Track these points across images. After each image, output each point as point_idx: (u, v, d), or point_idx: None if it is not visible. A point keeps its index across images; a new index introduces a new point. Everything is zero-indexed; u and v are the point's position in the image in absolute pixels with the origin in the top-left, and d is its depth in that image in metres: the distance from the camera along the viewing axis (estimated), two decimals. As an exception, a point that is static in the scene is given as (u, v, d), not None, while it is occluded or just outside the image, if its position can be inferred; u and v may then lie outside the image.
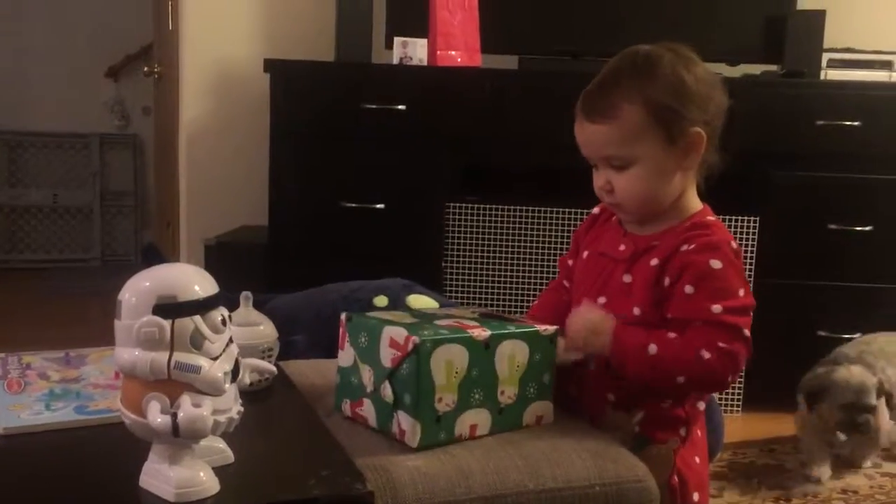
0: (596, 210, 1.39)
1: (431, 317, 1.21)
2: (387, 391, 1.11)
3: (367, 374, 1.15)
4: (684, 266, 1.19)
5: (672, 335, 1.18)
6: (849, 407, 2.02)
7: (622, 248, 1.28)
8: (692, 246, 1.20)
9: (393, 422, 1.11)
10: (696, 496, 1.25)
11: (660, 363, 1.17)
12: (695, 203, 1.28)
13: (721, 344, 1.15)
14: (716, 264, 1.18)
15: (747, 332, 1.17)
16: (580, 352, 1.24)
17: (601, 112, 1.21)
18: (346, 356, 1.20)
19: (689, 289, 1.18)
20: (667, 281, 1.20)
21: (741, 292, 1.19)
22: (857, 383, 2.03)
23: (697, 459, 1.27)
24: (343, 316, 1.20)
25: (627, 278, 1.25)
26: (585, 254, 1.35)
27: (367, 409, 1.16)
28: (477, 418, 1.14)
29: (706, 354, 1.15)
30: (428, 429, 1.09)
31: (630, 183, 1.22)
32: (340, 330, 1.20)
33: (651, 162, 1.21)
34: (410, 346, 1.07)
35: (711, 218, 1.27)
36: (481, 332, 1.13)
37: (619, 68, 1.24)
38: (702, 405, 1.28)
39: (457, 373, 1.10)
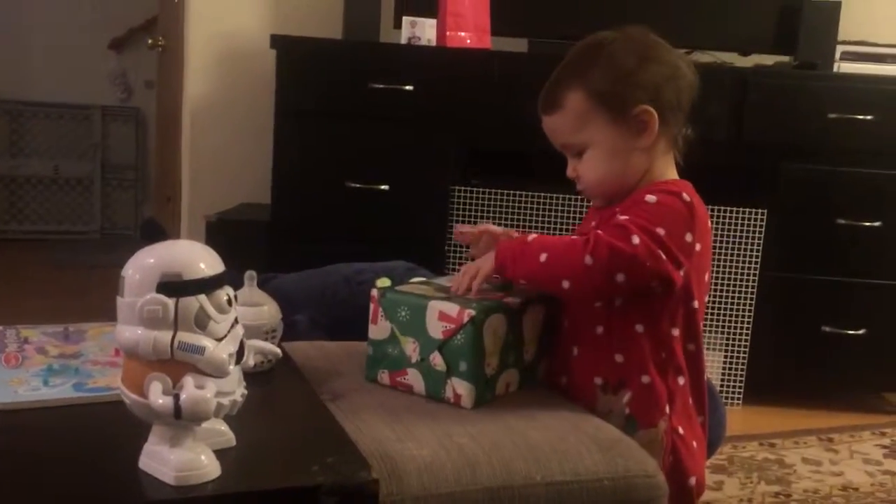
0: None
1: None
2: (437, 360, 1.19)
3: (410, 346, 1.22)
4: (625, 207, 1.23)
5: None
6: None
7: (593, 223, 1.31)
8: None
9: (446, 388, 1.20)
10: (692, 480, 1.25)
11: (529, 246, 1.20)
12: (667, 177, 1.30)
13: (599, 231, 1.17)
14: (650, 198, 1.21)
15: (636, 240, 1.14)
16: (463, 287, 1.25)
17: (551, 104, 1.29)
18: (381, 329, 1.25)
19: (616, 219, 1.20)
20: None
21: (660, 230, 1.16)
22: None
23: (695, 444, 1.27)
24: (375, 292, 1.26)
25: None
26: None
27: (413, 378, 1.23)
28: (510, 377, 1.25)
29: (579, 239, 1.17)
30: (480, 391, 1.19)
31: (589, 167, 1.28)
32: (372, 305, 1.26)
33: (603, 145, 1.26)
34: (466, 318, 1.16)
35: (674, 183, 1.27)
36: (514, 300, 1.24)
37: (567, 61, 1.31)
38: (682, 380, 1.25)
39: (500, 339, 1.21)
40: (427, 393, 1.21)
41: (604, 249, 1.13)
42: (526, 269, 1.20)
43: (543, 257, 1.17)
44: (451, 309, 1.18)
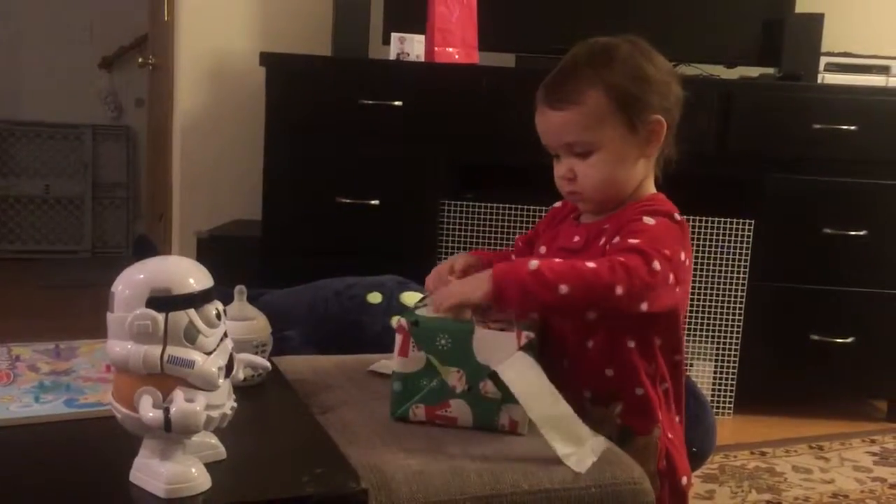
0: (558, 204, 1.39)
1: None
2: (489, 387, 1.14)
3: (454, 376, 1.15)
4: (622, 228, 1.20)
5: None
6: None
7: (576, 238, 1.28)
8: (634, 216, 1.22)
9: (500, 415, 1.15)
10: (684, 479, 1.27)
11: (540, 276, 1.09)
12: (650, 191, 1.30)
13: (620, 258, 1.11)
14: (648, 221, 1.19)
15: (657, 265, 1.11)
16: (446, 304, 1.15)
17: (564, 98, 1.22)
18: (412, 362, 1.17)
19: (616, 239, 1.19)
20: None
21: (667, 251, 1.14)
22: None
23: (677, 443, 1.29)
24: (404, 322, 1.17)
25: None
26: (543, 249, 1.35)
27: (458, 409, 1.16)
28: None
29: (598, 263, 1.11)
30: None
31: (593, 169, 1.23)
32: (399, 337, 1.16)
33: (613, 148, 1.22)
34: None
35: (660, 202, 1.27)
36: (528, 335, 1.15)
37: (577, 58, 1.26)
38: (665, 386, 1.26)
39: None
40: (475, 423, 1.16)
41: (634, 279, 1.09)
42: (541, 301, 1.11)
43: (564, 289, 1.09)
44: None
